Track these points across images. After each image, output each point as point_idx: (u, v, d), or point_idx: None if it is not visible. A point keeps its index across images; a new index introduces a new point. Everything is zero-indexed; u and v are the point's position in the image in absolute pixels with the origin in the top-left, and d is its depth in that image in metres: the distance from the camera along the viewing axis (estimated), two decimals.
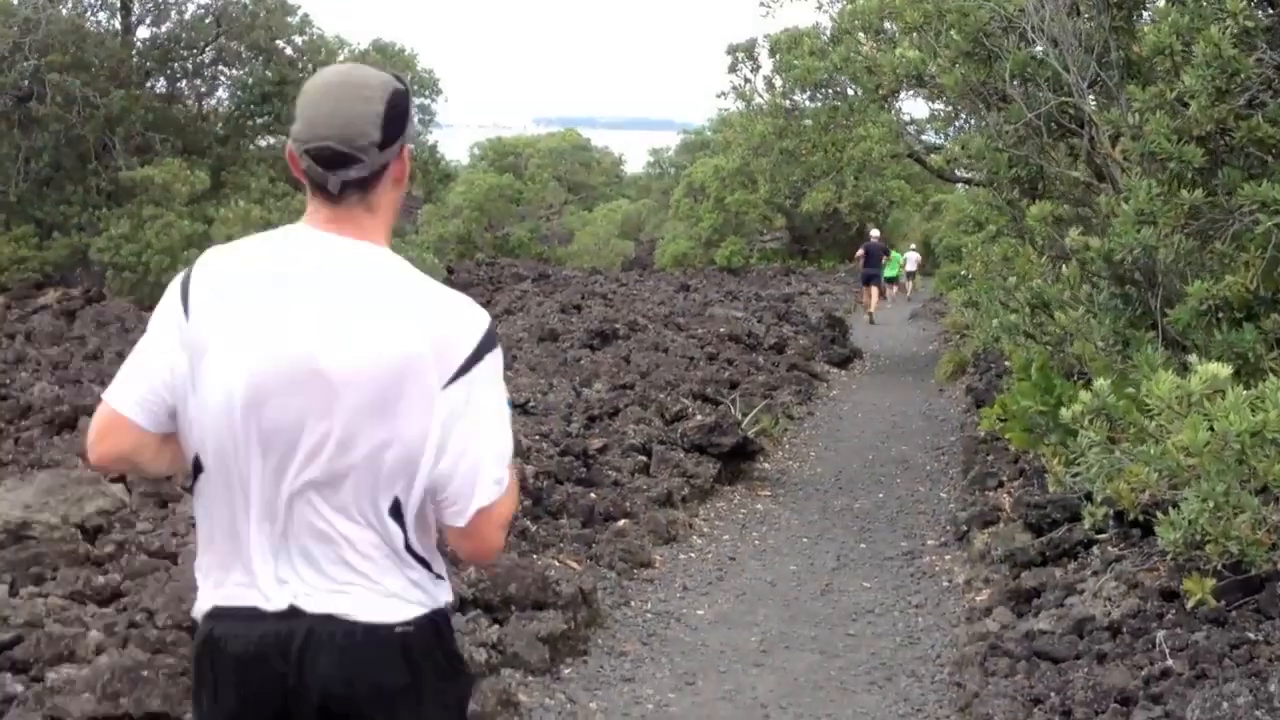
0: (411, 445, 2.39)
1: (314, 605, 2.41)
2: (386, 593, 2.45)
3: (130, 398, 2.46)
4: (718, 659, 6.47)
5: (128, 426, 2.46)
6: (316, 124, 2.42)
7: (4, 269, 22.92)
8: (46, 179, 24.49)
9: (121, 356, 12.30)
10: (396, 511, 2.44)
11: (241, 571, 2.45)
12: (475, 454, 2.42)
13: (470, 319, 2.45)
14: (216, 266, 2.47)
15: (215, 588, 2.49)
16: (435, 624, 2.52)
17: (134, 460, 2.53)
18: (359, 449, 2.38)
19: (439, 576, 2.55)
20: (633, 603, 7.31)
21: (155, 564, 6.01)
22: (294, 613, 2.41)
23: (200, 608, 2.52)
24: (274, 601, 2.42)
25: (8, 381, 12.51)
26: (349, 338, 2.37)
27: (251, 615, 2.42)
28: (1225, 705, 4.30)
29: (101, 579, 5.82)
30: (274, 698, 2.42)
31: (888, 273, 32.54)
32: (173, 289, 2.49)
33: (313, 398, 2.37)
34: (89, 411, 10.20)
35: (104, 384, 10.31)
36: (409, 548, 2.47)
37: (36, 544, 6.14)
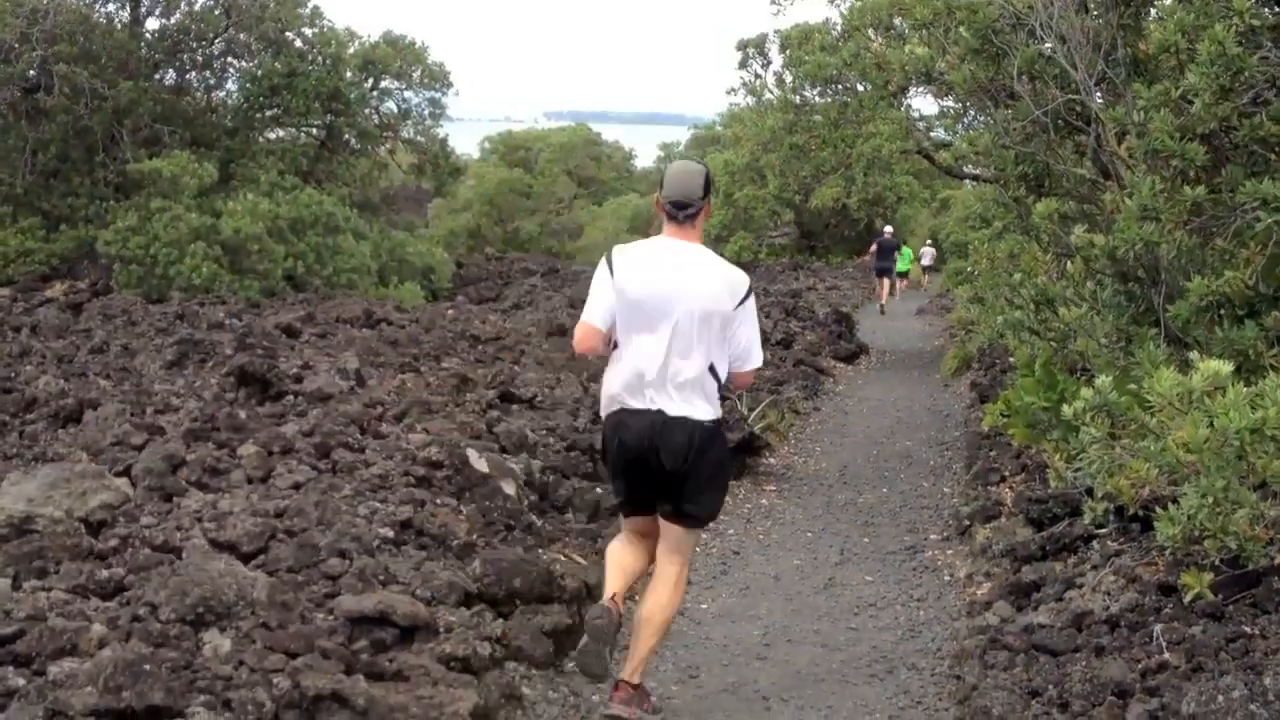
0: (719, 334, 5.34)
1: (671, 410, 5.27)
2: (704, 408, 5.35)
3: (597, 318, 5.31)
4: (720, 652, 6.51)
5: (598, 332, 5.35)
6: (675, 188, 5.37)
7: (11, 261, 22.93)
8: (54, 171, 24.52)
9: (127, 349, 12.30)
10: (712, 369, 5.34)
11: (635, 392, 5.33)
12: (749, 340, 5.44)
13: (741, 278, 5.41)
14: (626, 254, 5.40)
15: (620, 399, 5.37)
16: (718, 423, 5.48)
17: (597, 347, 5.42)
18: (694, 334, 5.27)
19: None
20: (636, 597, 7.32)
21: (159, 558, 6.01)
22: (660, 413, 5.27)
23: (608, 410, 5.45)
24: (653, 405, 5.30)
25: (12, 375, 12.52)
26: (687, 283, 5.24)
27: (639, 412, 5.31)
28: (1220, 699, 4.33)
29: (105, 573, 5.82)
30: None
31: (900, 267, 33.00)
32: (602, 264, 5.39)
33: (673, 309, 5.23)
34: (94, 405, 10.28)
35: (109, 377, 10.47)
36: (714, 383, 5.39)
37: (39, 538, 6.13)
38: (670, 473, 5.33)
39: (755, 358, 5.49)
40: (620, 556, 5.65)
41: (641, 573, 5.72)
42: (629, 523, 5.70)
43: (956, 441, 12.50)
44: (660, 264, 5.31)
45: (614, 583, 5.56)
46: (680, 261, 5.30)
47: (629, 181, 60.56)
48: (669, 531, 5.53)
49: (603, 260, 5.43)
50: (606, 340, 5.40)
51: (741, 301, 5.32)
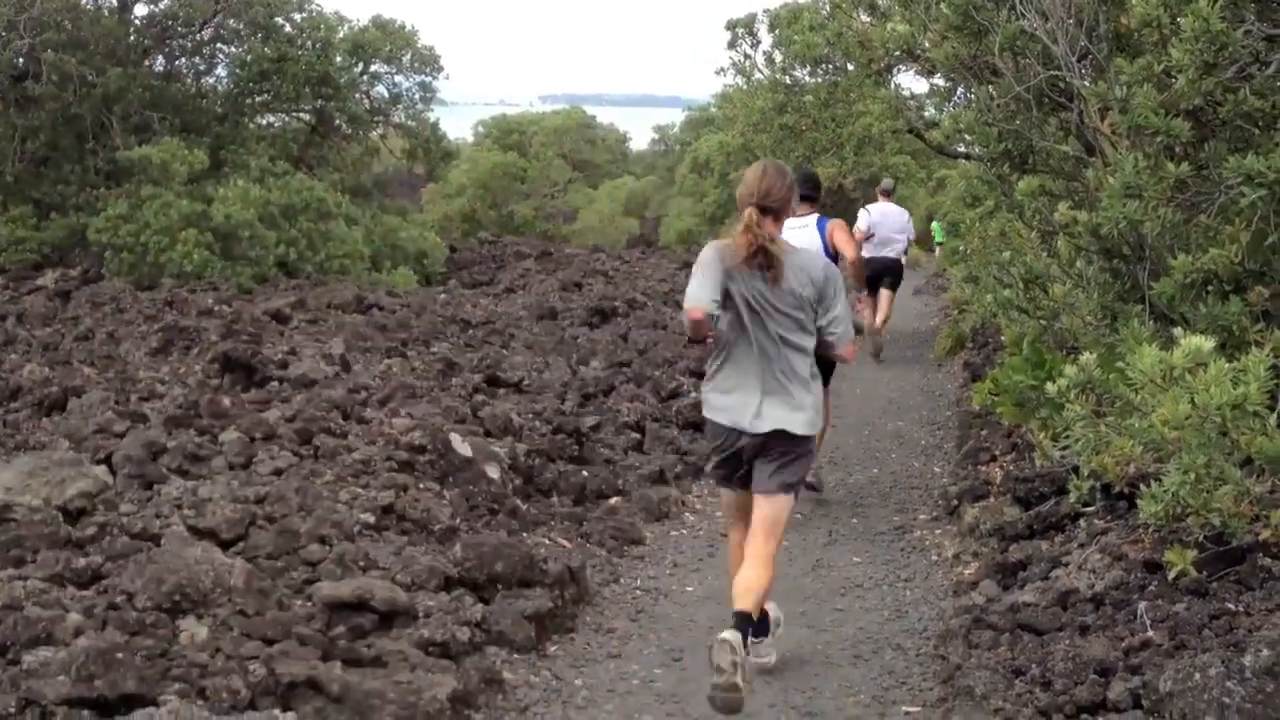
0: None
1: (890, 254, 16.73)
2: None
3: (863, 228, 15.83)
4: (706, 635, 6.46)
5: (862, 237, 14.85)
6: (885, 185, 17.57)
7: (2, 250, 22.81)
8: (43, 159, 24.37)
9: (113, 337, 12.18)
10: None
11: (882, 250, 16.72)
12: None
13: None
14: (870, 209, 16.60)
15: (879, 248, 16.66)
16: None
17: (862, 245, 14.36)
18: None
19: None
20: (622, 580, 7.32)
21: (137, 545, 5.98)
22: (888, 256, 16.68)
23: (870, 255, 15.64)
24: (887, 254, 16.83)
25: None
26: (891, 218, 16.83)
27: (882, 257, 16.73)
28: (1197, 676, 4.30)
29: (82, 561, 5.78)
30: None
31: (937, 238, 34.37)
32: (863, 213, 16.32)
33: (895, 225, 16.60)
34: (78, 392, 10.24)
35: (94, 365, 10.36)
36: None
37: (17, 526, 6.10)
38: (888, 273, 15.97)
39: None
40: (868, 315, 14.57)
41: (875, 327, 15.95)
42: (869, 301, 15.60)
43: (948, 421, 12.46)
44: (881, 210, 15.98)
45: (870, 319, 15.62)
46: (887, 207, 16.24)
47: (624, 164, 60.26)
48: (884, 296, 16.06)
49: (861, 211, 15.97)
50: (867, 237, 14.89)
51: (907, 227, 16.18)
